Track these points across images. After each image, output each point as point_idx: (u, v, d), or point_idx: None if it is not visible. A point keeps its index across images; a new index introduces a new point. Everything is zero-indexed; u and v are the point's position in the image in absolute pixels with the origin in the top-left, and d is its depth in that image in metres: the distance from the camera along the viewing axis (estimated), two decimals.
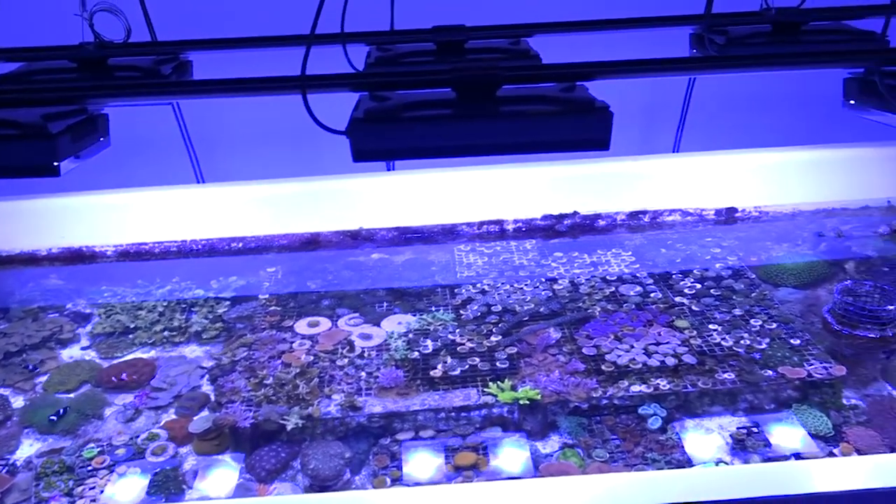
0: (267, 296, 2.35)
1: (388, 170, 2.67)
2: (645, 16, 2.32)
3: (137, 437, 1.85)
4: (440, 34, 1.94)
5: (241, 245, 2.57)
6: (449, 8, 2.74)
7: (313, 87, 1.43)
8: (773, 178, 2.68)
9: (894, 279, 2.26)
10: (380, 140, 1.42)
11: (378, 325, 2.17)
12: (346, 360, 2.02)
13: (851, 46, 1.77)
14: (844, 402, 1.82)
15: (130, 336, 2.23)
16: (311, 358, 2.03)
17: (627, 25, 2.23)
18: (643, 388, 1.85)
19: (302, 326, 2.18)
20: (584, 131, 1.40)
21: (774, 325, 2.06)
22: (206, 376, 2.04)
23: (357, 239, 2.59)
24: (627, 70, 1.50)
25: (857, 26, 2.08)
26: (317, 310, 2.26)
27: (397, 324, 2.16)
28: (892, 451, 1.66)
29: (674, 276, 2.33)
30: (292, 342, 2.11)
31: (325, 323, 2.19)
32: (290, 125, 2.29)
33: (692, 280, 2.31)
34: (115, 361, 2.14)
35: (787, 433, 1.76)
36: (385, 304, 2.27)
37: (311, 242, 2.58)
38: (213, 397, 1.95)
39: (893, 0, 1.37)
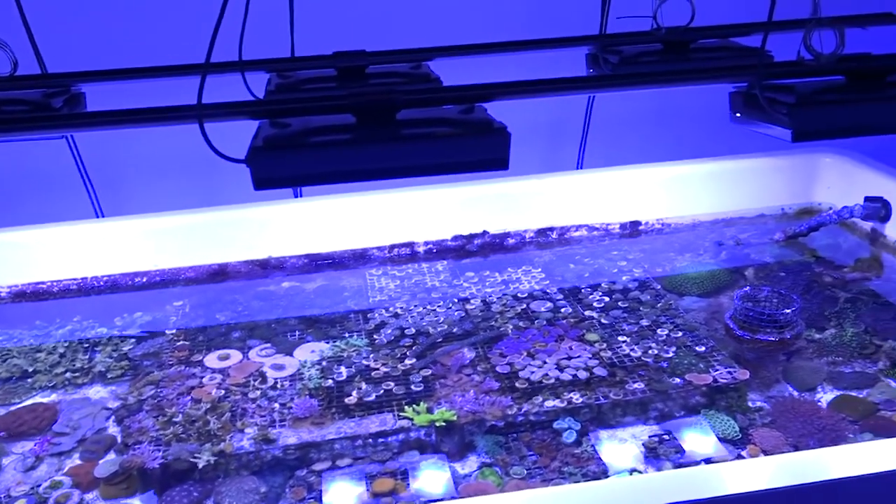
0: (174, 331, 2.28)
1: (296, 196, 2.64)
2: (544, 37, 2.38)
3: (39, 486, 1.76)
4: (340, 60, 1.95)
5: (145, 280, 2.50)
6: (350, 33, 2.75)
7: (210, 116, 1.41)
8: (674, 191, 2.76)
9: (791, 284, 2.35)
10: (280, 167, 1.40)
11: (291, 354, 2.13)
12: (258, 393, 1.98)
13: (734, 62, 1.85)
14: (750, 404, 1.88)
15: (29, 380, 2.13)
16: (222, 392, 1.99)
17: (526, 47, 2.28)
18: (557, 402, 1.87)
19: (212, 360, 2.13)
20: (483, 152, 1.42)
21: (680, 334, 2.12)
22: (112, 417, 1.97)
23: (266, 268, 2.55)
24: (524, 91, 1.53)
25: (742, 43, 2.19)
26: (227, 342, 2.22)
27: (310, 352, 2.13)
28: (795, 450, 1.72)
29: (583, 291, 2.37)
30: (202, 377, 2.06)
31: (235, 355, 2.14)
32: (192, 155, 2.25)
33: (600, 293, 2.35)
34: (12, 408, 2.04)
35: (697, 438, 1.80)
36: (297, 332, 2.24)
37: (219, 273, 2.53)
38: (119, 439, 1.88)
39: (770, 17, 1.44)
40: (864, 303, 2.24)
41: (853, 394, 1.89)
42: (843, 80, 1.65)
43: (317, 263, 2.56)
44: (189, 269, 2.52)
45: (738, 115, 1.65)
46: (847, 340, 2.06)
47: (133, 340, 2.26)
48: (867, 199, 2.55)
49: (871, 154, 2.75)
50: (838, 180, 2.75)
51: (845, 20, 2.05)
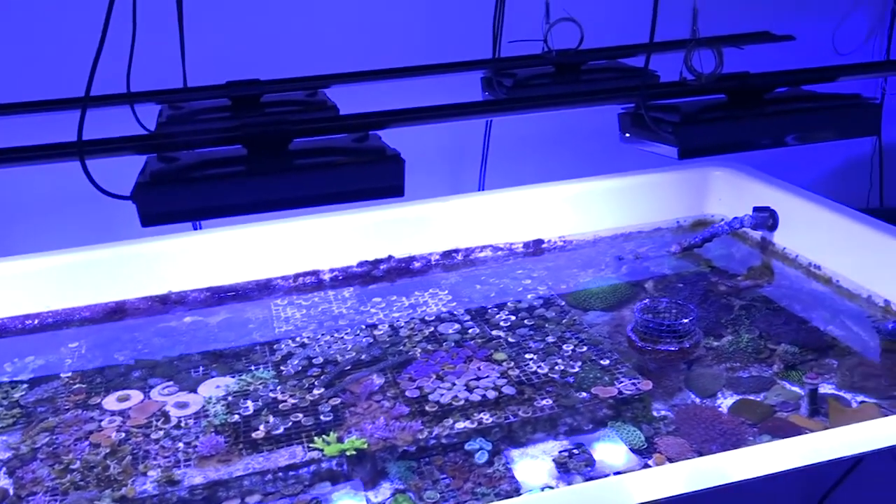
0: (70, 374, 2.19)
1: (195, 228, 2.58)
2: (440, 62, 2.41)
3: None
4: (234, 89, 1.92)
5: (36, 322, 2.39)
6: (247, 62, 2.72)
7: (93, 152, 1.36)
8: (574, 209, 2.83)
9: (688, 294, 2.43)
10: (168, 202, 1.37)
11: (195, 391, 2.07)
12: (161, 433, 1.91)
13: (622, 83, 1.91)
14: (654, 414, 1.92)
15: None
16: (123, 435, 1.91)
17: (423, 72, 2.31)
18: (468, 423, 1.88)
19: (111, 402, 2.05)
20: (378, 180, 1.42)
21: (585, 348, 2.16)
22: (3, 469, 1.87)
23: (167, 303, 2.48)
24: (419, 118, 1.54)
25: (630, 63, 2.26)
26: (127, 383, 2.14)
27: (215, 387, 2.08)
28: (699, 455, 1.77)
29: (489, 311, 2.39)
30: (101, 420, 1.98)
31: (136, 396, 2.07)
32: (83, 191, 2.18)
33: (507, 312, 2.38)
34: None
35: (607, 450, 1.83)
36: (201, 368, 2.18)
37: (117, 311, 2.45)
38: (11, 491, 1.78)
39: (651, 39, 1.49)
40: (757, 309, 2.33)
41: (751, 397, 1.95)
42: (724, 99, 1.73)
43: (219, 296, 2.50)
44: (84, 309, 2.43)
45: (627, 135, 1.70)
46: (743, 346, 2.14)
47: (25, 386, 2.16)
48: (755, 209, 2.66)
49: (757, 166, 2.88)
50: (728, 193, 2.86)
51: (723, 40, 2.15)
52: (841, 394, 1.93)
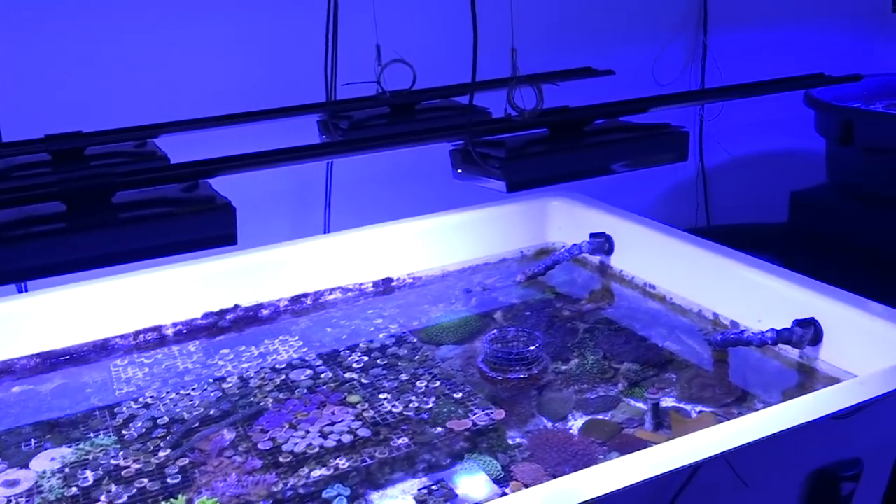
0: None
1: (20, 291, 2.42)
2: (276, 107, 2.39)
3: None
4: (54, 143, 1.83)
5: None
6: (68, 114, 2.60)
7: None
8: (422, 244, 2.85)
9: (535, 321, 2.50)
10: None
11: (26, 466, 1.93)
12: None
13: (451, 121, 1.97)
14: (509, 442, 1.95)
15: None
16: None
17: (258, 117, 2.28)
18: (324, 471, 1.84)
19: None
20: (208, 229, 1.39)
21: (438, 383, 2.17)
22: None
23: None
24: (251, 163, 1.52)
25: (463, 101, 2.32)
26: None
27: (50, 460, 1.94)
28: (553, 478, 1.80)
29: (342, 353, 2.37)
30: None
31: None
32: None
33: (360, 354, 2.36)
34: None
35: (466, 483, 1.84)
36: (33, 441, 2.03)
37: None
38: None
39: (473, 79, 1.54)
40: (600, 331, 2.42)
41: (599, 417, 2.02)
42: (546, 133, 1.81)
43: (52, 362, 2.35)
44: None
45: (459, 171, 1.74)
46: (589, 368, 2.22)
47: None
48: (592, 235, 2.78)
49: (593, 194, 3.02)
50: (566, 221, 2.98)
51: (547, 77, 2.26)
52: (681, 405, 2.04)
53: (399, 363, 2.30)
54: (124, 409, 2.14)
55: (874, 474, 1.92)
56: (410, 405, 2.07)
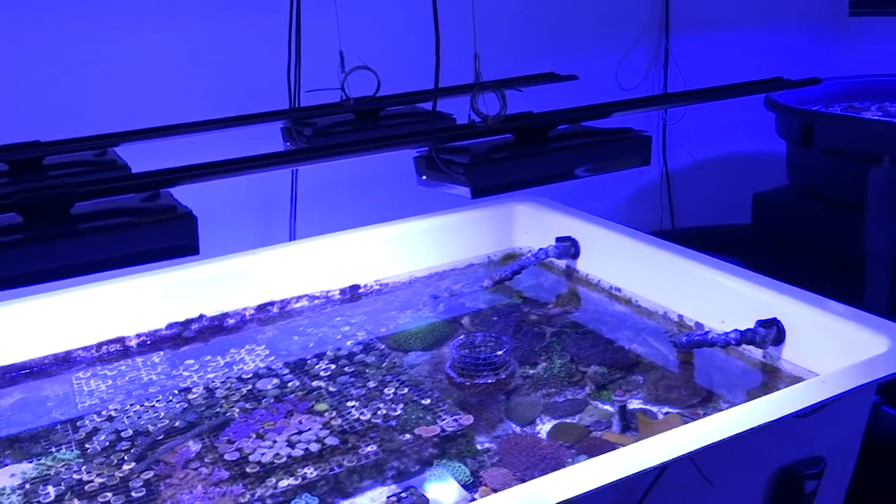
0: None
1: None
2: (238, 114, 2.37)
3: None
4: (11, 153, 1.80)
5: None
6: (25, 124, 2.56)
7: None
8: (389, 251, 2.85)
9: (503, 326, 2.51)
10: None
11: None
12: None
13: (415, 128, 1.97)
14: (478, 447, 1.95)
15: None
16: None
17: (220, 125, 2.26)
18: (292, 480, 1.83)
19: None
20: (169, 239, 1.37)
21: (406, 390, 2.17)
22: None
23: None
24: (213, 172, 1.50)
25: (427, 108, 2.32)
26: None
27: (9, 476, 1.90)
28: (522, 482, 1.80)
29: (309, 361, 2.36)
30: None
31: None
32: None
33: (327, 362, 2.35)
34: None
35: (436, 490, 1.84)
36: None
37: None
38: None
39: (436, 85, 1.54)
40: (567, 334, 2.43)
41: (567, 420, 2.03)
42: (510, 138, 1.81)
43: (11, 376, 2.30)
44: None
45: (423, 177, 1.74)
46: (556, 371, 2.23)
47: None
48: (558, 239, 2.80)
49: (558, 199, 3.04)
50: (533, 225, 2.99)
51: (510, 82, 2.27)
52: (648, 407, 2.05)
53: (367, 370, 2.29)
54: (87, 422, 2.11)
55: (837, 472, 1.95)
56: (378, 412, 2.06)
